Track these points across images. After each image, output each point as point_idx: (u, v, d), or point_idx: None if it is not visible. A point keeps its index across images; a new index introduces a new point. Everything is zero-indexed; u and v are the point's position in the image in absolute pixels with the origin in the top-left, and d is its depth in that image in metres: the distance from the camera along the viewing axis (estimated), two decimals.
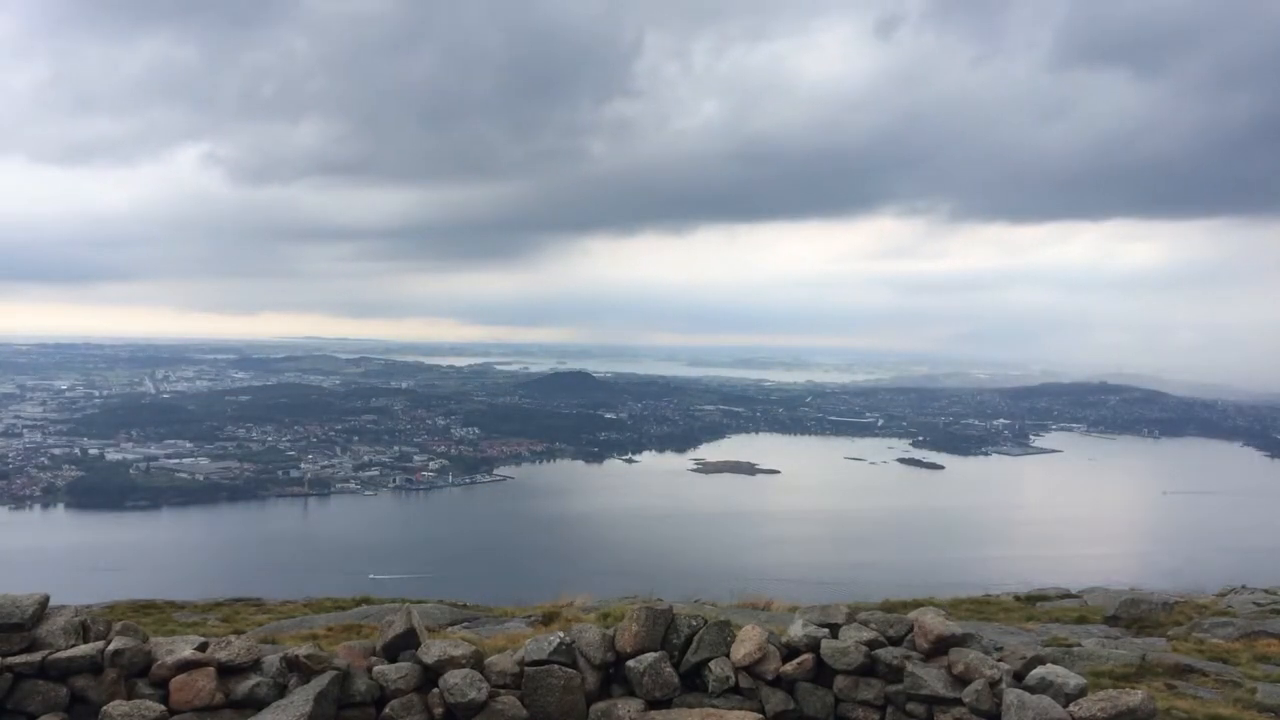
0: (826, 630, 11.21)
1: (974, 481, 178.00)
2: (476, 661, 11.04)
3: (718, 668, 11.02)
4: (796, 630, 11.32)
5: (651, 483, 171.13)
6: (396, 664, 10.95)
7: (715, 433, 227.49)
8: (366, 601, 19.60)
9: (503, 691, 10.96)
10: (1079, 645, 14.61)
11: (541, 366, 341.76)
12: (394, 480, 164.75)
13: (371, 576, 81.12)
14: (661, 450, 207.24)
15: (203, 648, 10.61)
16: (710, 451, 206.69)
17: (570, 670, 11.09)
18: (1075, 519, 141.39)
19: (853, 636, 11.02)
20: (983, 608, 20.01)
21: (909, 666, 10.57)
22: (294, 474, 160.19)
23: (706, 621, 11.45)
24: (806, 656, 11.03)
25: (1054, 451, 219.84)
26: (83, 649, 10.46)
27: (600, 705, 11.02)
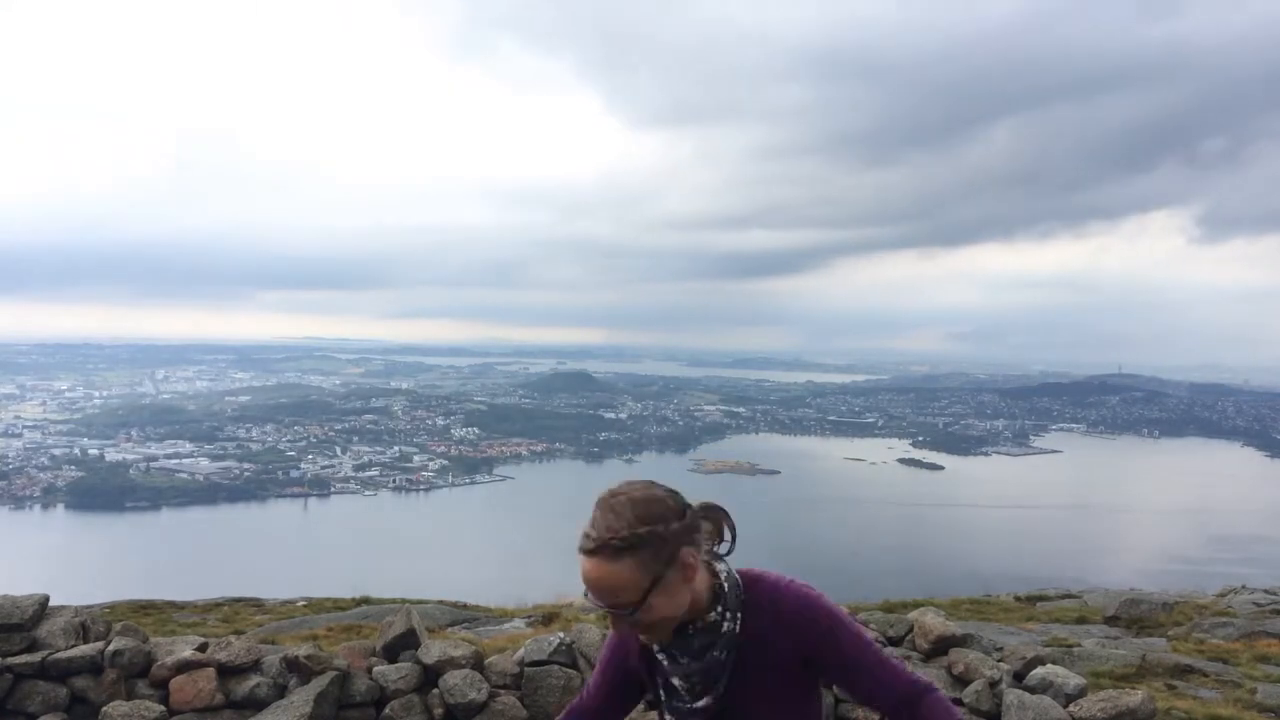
0: None
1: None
2: (476, 662, 11.05)
3: None
4: None
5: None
6: (396, 664, 10.96)
7: (715, 433, 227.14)
8: (366, 602, 19.57)
9: (503, 692, 10.96)
10: (1079, 645, 14.60)
11: (541, 367, 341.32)
12: (394, 480, 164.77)
13: None
14: (662, 450, 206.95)
15: (203, 648, 10.62)
16: (710, 451, 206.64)
17: (571, 670, 11.10)
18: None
19: None
20: (983, 608, 19.98)
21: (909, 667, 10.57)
22: (294, 474, 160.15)
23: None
24: None
25: (1054, 452, 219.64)
26: (83, 649, 10.48)
27: None
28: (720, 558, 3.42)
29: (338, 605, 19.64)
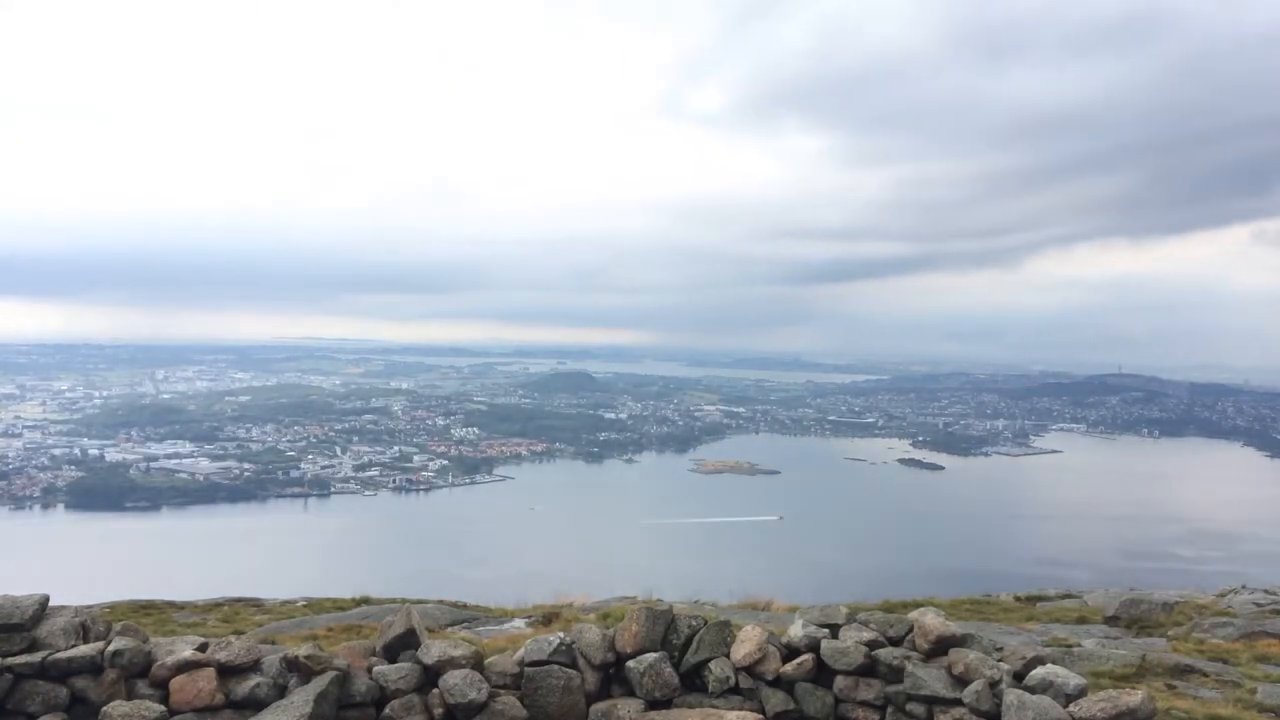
0: (826, 631, 11.21)
1: None
2: (476, 662, 11.04)
3: (718, 668, 11.02)
4: (796, 631, 11.33)
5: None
6: (396, 664, 10.95)
7: (715, 433, 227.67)
8: (366, 602, 19.59)
9: (503, 692, 10.95)
10: (1079, 645, 14.60)
11: (541, 367, 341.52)
12: (394, 480, 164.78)
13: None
14: (661, 450, 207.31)
15: (203, 648, 10.61)
16: (710, 451, 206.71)
17: (570, 670, 11.09)
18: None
19: (853, 637, 11.02)
20: (983, 608, 20.00)
21: (909, 667, 10.57)
22: (294, 474, 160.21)
23: (706, 622, 11.45)
24: (806, 657, 11.03)
25: (1054, 452, 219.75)
26: (83, 649, 10.47)
27: (600, 706, 11.02)
28: None
29: (338, 605, 19.62)
